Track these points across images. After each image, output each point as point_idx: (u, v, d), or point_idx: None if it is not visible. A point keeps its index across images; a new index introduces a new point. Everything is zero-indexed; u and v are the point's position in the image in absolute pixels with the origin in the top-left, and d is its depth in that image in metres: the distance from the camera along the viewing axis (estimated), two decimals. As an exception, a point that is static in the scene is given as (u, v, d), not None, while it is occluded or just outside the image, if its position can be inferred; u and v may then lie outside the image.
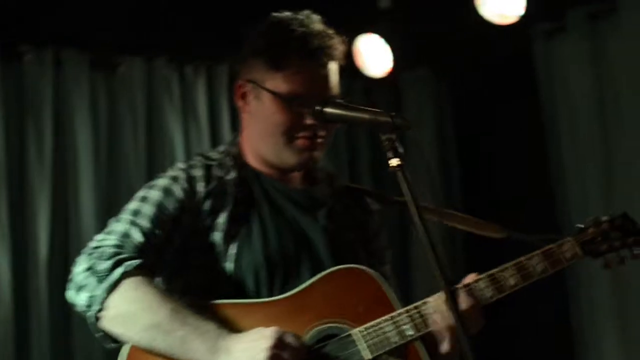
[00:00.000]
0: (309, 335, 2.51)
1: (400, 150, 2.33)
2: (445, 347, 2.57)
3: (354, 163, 5.63)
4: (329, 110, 2.56)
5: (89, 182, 4.87)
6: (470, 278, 2.64)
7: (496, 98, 5.49)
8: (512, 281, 2.64)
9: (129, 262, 2.48)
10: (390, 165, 2.33)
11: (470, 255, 5.26)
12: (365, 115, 2.46)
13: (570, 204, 5.11)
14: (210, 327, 2.44)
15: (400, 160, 2.32)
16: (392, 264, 2.93)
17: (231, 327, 2.47)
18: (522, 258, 2.67)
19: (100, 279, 2.45)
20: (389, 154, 2.33)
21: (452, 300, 2.30)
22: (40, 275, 4.77)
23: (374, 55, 5.32)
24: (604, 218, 2.77)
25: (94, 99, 5.02)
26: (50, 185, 4.85)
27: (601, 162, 5.09)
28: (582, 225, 2.77)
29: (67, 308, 2.79)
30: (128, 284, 2.46)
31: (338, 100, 2.60)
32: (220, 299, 2.55)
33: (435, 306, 2.56)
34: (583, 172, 5.16)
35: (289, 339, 2.42)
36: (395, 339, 2.54)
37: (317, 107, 2.58)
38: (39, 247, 4.79)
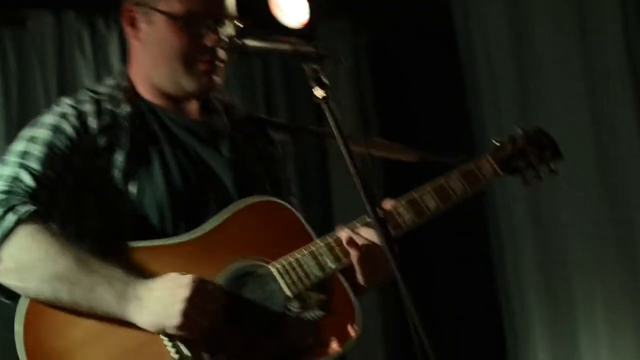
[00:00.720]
0: (223, 275, 2.33)
1: (325, 81, 2.18)
2: (362, 279, 2.44)
3: (269, 97, 5.40)
4: (249, 42, 2.34)
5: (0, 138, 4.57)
6: (387, 203, 2.50)
7: (414, 45, 5.33)
8: (431, 204, 2.52)
9: (22, 209, 2.24)
10: (316, 96, 2.18)
11: (390, 185, 5.10)
12: (287, 46, 2.27)
13: (487, 130, 5.03)
14: (117, 274, 2.24)
15: (325, 92, 2.17)
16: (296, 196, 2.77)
17: (139, 272, 2.27)
18: (439, 178, 2.56)
19: None
20: (314, 85, 2.18)
21: (381, 225, 2.15)
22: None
23: (290, 5, 5.10)
24: (519, 133, 2.68)
25: (3, 54, 4.69)
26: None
27: (517, 93, 5.07)
28: (498, 143, 2.67)
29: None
30: (23, 232, 2.23)
31: (257, 31, 2.38)
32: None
33: (355, 234, 2.42)
34: (498, 99, 5.10)
35: (209, 286, 2.25)
36: (316, 273, 2.38)
37: (236, 39, 2.35)
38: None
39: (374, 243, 2.36)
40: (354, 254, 2.40)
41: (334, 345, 2.32)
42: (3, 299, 2.28)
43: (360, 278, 2.43)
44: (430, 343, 2.02)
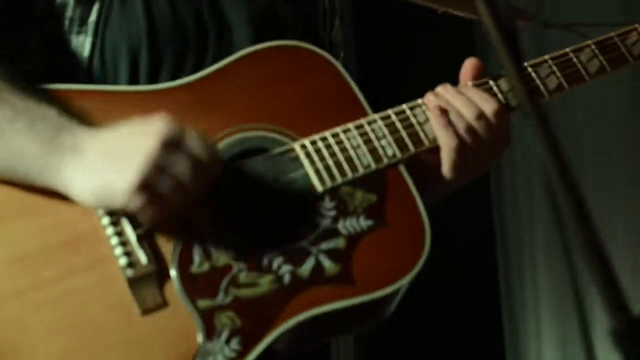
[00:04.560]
0: (222, 145, 1.47)
1: None
2: (448, 171, 1.56)
3: None
4: None
5: None
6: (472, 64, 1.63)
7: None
8: (551, 84, 1.64)
9: None
10: None
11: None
12: None
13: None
14: (47, 112, 1.38)
15: None
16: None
17: (84, 119, 1.40)
18: (567, 49, 1.67)
19: None
20: None
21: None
22: None
23: None
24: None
25: None
26: None
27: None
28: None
29: None
30: None
31: None
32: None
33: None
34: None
35: (195, 141, 1.37)
36: (365, 161, 1.50)
37: None
38: None
39: (478, 114, 1.50)
40: (438, 121, 1.53)
41: (383, 278, 1.43)
42: None
43: (442, 158, 1.56)
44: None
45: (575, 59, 1.68)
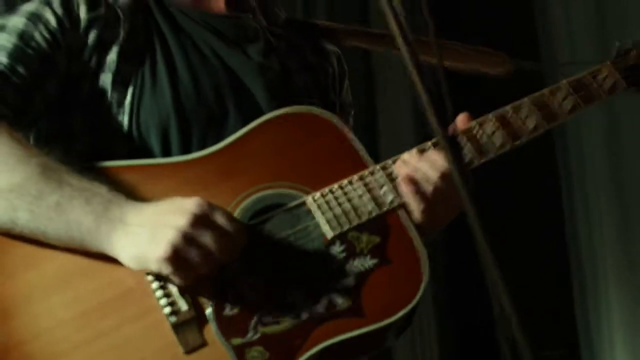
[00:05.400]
0: (241, 207, 1.73)
1: None
2: (423, 216, 1.78)
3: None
4: None
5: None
6: (463, 120, 1.86)
7: None
8: (530, 123, 1.87)
9: None
10: None
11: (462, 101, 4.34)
12: None
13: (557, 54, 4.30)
14: (98, 189, 1.65)
15: None
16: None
17: (129, 194, 1.68)
18: (543, 90, 1.90)
19: None
20: None
21: (454, 148, 1.45)
22: None
23: None
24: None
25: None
26: None
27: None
28: (622, 48, 1.99)
29: None
30: None
31: None
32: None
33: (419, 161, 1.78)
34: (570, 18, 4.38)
35: (217, 215, 1.63)
36: (368, 208, 1.76)
37: None
38: None
39: (442, 174, 1.73)
40: (408, 189, 1.77)
41: (389, 308, 1.69)
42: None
43: (417, 217, 1.78)
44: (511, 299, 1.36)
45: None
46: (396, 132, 3.88)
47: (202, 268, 1.61)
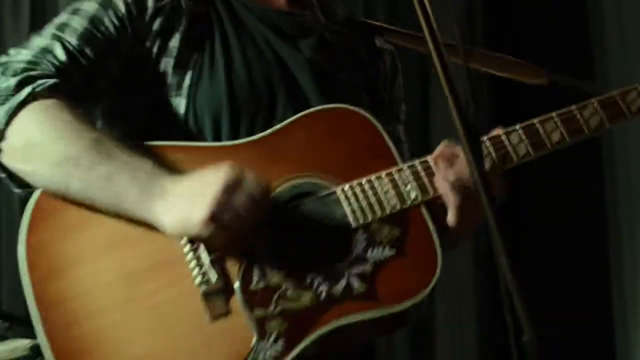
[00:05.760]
0: (279, 190, 1.89)
1: None
2: (453, 218, 1.92)
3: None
4: None
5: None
6: (497, 130, 1.99)
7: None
8: (555, 137, 1.98)
9: (40, 81, 1.86)
10: None
11: (498, 106, 4.45)
12: None
13: (611, 82, 4.35)
14: (143, 164, 1.83)
15: None
16: (407, 126, 2.27)
17: (172, 170, 1.85)
18: (571, 107, 2.01)
19: (1, 100, 1.84)
20: None
21: (475, 152, 1.59)
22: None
23: None
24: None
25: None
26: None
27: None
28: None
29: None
30: (36, 107, 1.85)
31: None
32: (167, 143, 1.94)
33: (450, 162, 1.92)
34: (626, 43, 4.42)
35: (250, 183, 1.80)
36: (392, 202, 1.90)
37: None
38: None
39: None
40: (443, 187, 1.91)
41: (400, 295, 1.84)
42: (16, 188, 1.91)
43: (451, 219, 1.93)
44: (524, 307, 1.50)
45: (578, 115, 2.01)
46: (449, 129, 3.98)
47: (236, 229, 1.78)
